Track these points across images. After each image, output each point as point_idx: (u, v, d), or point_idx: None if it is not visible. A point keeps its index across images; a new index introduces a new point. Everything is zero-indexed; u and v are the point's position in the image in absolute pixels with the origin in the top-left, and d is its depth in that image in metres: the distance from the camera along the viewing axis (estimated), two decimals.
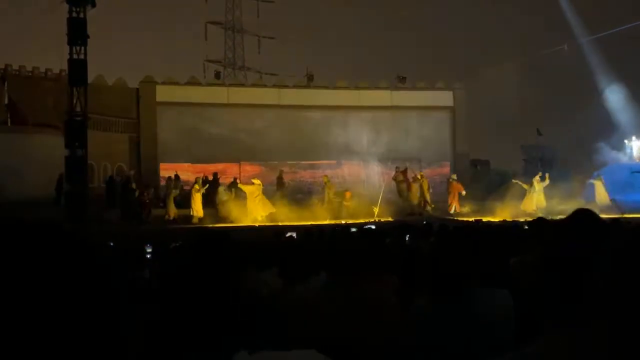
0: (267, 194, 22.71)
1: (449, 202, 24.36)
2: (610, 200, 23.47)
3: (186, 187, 24.47)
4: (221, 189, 23.50)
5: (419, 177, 24.77)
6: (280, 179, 26.47)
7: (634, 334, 1.18)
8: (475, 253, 3.01)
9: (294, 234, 6.83)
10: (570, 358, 1.30)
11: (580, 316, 1.36)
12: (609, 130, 31.38)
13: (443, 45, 31.08)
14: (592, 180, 24.88)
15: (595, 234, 1.53)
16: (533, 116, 30.31)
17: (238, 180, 24.80)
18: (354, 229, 7.39)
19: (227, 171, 27.61)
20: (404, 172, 25.27)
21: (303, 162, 28.51)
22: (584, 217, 1.65)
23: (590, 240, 1.48)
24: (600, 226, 1.50)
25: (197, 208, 21.80)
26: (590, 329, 1.29)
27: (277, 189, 25.35)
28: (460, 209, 24.01)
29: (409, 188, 24.73)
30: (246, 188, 22.56)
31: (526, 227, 6.76)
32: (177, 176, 25.44)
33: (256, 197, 22.26)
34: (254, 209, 21.91)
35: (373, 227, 11.00)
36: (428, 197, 24.48)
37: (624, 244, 1.23)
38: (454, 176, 25.59)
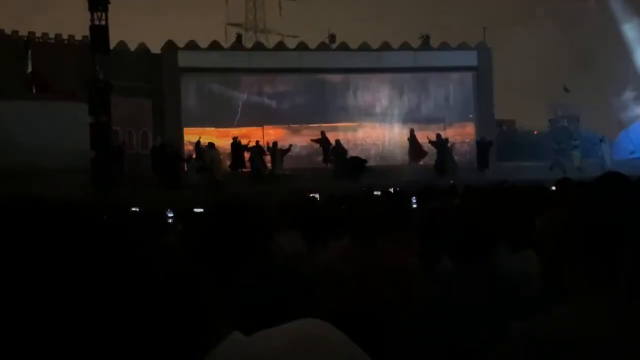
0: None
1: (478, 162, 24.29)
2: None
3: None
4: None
5: (442, 139, 24.68)
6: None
7: None
8: (501, 214, 2.96)
9: (317, 195, 6.82)
10: (601, 319, 1.27)
11: (608, 277, 1.32)
12: (637, 88, 30.82)
13: (468, 4, 30.52)
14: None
15: (623, 196, 1.48)
16: (560, 74, 29.74)
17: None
18: (377, 192, 7.36)
19: (251, 135, 27.65)
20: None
21: (324, 125, 28.44)
22: (612, 179, 1.60)
23: (618, 202, 1.43)
24: (629, 188, 1.45)
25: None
26: (620, 289, 1.26)
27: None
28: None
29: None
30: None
31: (553, 187, 6.68)
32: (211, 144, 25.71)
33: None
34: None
35: (397, 189, 10.96)
36: (451, 159, 24.44)
37: None
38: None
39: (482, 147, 24.72)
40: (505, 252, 2.54)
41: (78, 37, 27.19)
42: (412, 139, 26.47)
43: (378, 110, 29.31)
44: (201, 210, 6.48)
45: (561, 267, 1.61)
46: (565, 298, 1.48)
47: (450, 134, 28.30)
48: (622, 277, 1.24)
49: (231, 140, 25.76)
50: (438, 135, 24.88)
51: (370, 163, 25.55)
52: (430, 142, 24.67)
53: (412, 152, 26.23)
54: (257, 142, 25.39)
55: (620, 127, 27.66)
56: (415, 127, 27.56)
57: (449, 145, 24.54)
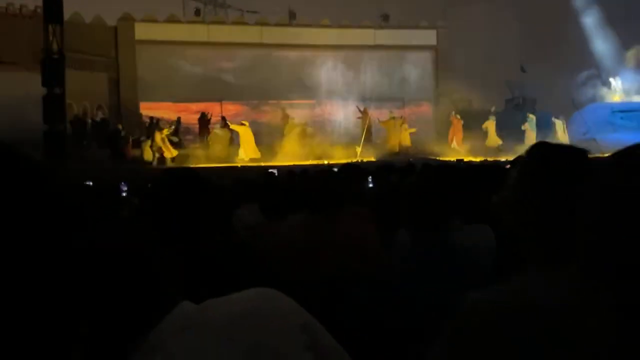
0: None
1: (449, 137, 24.52)
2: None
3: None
4: (217, 129, 23.76)
5: (395, 117, 24.84)
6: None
7: (609, 270, 1.17)
8: (457, 190, 3.00)
9: (275, 171, 6.82)
10: (555, 289, 1.29)
11: (560, 253, 1.35)
12: (592, 69, 31.38)
13: None
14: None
15: (568, 172, 1.51)
16: (517, 53, 30.07)
17: (228, 120, 24.87)
18: (335, 169, 7.38)
19: (209, 110, 27.42)
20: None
21: (283, 102, 28.34)
22: (570, 156, 1.63)
23: (575, 180, 1.46)
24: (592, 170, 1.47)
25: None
26: (571, 264, 1.28)
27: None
28: (462, 146, 24.23)
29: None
30: (237, 128, 22.71)
31: (508, 166, 6.79)
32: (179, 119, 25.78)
33: (245, 138, 22.50)
34: (242, 150, 22.18)
35: (355, 164, 11.00)
36: (406, 138, 24.70)
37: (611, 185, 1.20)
38: (455, 114, 25.86)
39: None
40: (459, 225, 2.58)
41: (31, 7, 26.47)
42: (365, 117, 26.62)
43: (336, 87, 29.34)
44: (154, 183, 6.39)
45: (514, 240, 1.65)
46: (519, 269, 1.50)
47: (407, 112, 28.50)
48: (575, 249, 1.27)
49: (199, 115, 25.84)
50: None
51: (328, 141, 25.72)
52: (381, 122, 24.79)
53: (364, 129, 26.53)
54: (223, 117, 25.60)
55: (574, 109, 28.13)
56: (372, 105, 27.68)
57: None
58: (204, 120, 25.64)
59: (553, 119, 25.80)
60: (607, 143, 22.82)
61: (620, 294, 1.16)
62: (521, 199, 1.67)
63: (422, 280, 2.33)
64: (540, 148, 1.72)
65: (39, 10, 23.21)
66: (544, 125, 26.36)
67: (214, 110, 27.87)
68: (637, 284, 1.15)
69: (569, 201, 1.37)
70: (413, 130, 25.92)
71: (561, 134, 25.02)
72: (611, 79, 31.32)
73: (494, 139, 25.39)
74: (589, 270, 1.24)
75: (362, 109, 27.05)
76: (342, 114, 29.07)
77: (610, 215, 1.19)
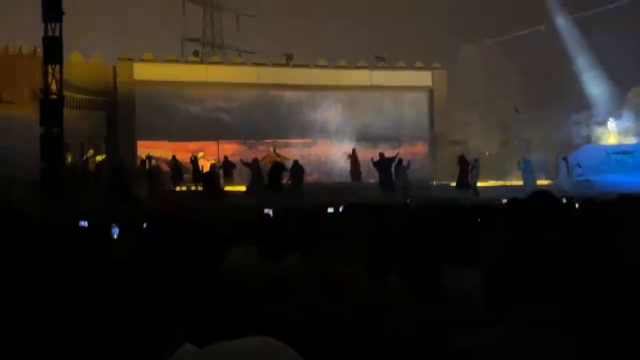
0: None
1: (459, 177, 24.22)
2: None
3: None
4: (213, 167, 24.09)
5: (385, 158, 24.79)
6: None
7: (585, 311, 1.22)
8: (450, 232, 3.05)
9: (270, 211, 6.85)
10: (534, 331, 1.34)
11: (539, 297, 1.40)
12: (587, 110, 31.67)
13: (422, 25, 31.03)
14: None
15: (552, 215, 1.57)
16: (512, 96, 30.39)
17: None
18: (330, 209, 7.42)
19: (206, 149, 27.59)
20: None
21: (279, 141, 28.53)
22: (540, 199, 1.69)
23: (546, 221, 1.52)
24: (557, 207, 1.54)
25: None
26: (549, 309, 1.33)
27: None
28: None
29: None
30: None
31: (504, 205, 6.82)
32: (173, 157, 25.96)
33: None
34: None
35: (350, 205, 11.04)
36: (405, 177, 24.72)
37: (575, 224, 1.26)
38: (460, 152, 25.82)
39: (464, 166, 24.50)
40: (449, 269, 2.63)
41: (31, 48, 26.76)
42: (354, 158, 26.74)
43: (332, 127, 29.54)
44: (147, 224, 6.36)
45: (497, 284, 1.69)
46: (501, 314, 1.55)
47: (403, 152, 28.64)
48: (549, 293, 1.33)
49: (190, 156, 25.86)
50: (381, 155, 24.85)
51: (322, 179, 25.85)
52: (373, 162, 24.69)
53: (353, 170, 26.63)
54: (226, 157, 25.71)
55: (568, 149, 28.33)
56: (368, 145, 27.84)
57: (404, 163, 24.71)
58: (195, 162, 25.61)
59: (561, 159, 25.77)
60: (601, 184, 22.95)
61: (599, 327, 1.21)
62: (510, 242, 1.72)
63: (412, 323, 2.37)
64: (537, 195, 1.77)
65: (39, 50, 23.45)
66: (539, 164, 26.44)
67: (211, 149, 28.04)
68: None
69: (546, 245, 1.42)
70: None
71: (564, 176, 24.92)
72: (607, 120, 31.58)
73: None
74: (567, 308, 1.29)
75: (351, 150, 27.17)
76: (338, 153, 29.28)
77: (576, 251, 1.24)
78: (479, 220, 4.28)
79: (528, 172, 23.95)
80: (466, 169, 23.83)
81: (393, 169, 24.34)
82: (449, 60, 31.77)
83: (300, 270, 2.90)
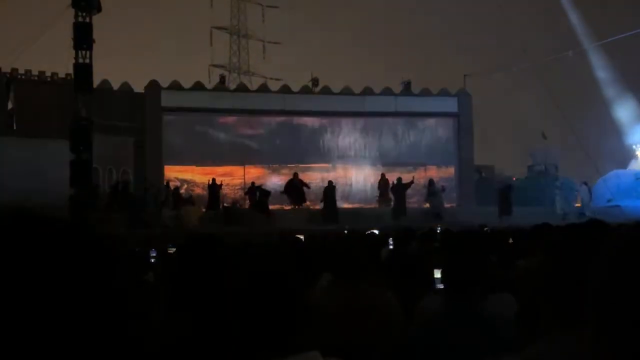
0: None
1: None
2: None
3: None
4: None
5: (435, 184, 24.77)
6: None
7: (629, 335, 1.20)
8: (482, 257, 3.02)
9: (302, 237, 6.86)
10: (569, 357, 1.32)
11: (579, 319, 1.38)
12: (616, 136, 31.40)
13: (449, 51, 31.10)
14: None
15: (602, 243, 1.55)
16: (539, 122, 30.24)
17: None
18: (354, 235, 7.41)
19: (233, 173, 27.97)
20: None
21: (301, 165, 28.73)
22: (594, 227, 1.67)
23: (596, 249, 1.50)
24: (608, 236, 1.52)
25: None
26: (588, 330, 1.31)
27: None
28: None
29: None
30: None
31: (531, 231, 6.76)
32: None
33: None
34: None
35: (376, 231, 11.01)
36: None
37: (620, 248, 1.24)
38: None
39: (503, 192, 24.18)
40: (482, 294, 2.60)
41: (62, 75, 27.24)
42: (383, 182, 26.72)
43: (355, 152, 29.64)
44: (174, 249, 6.45)
45: (536, 309, 1.67)
46: (538, 338, 1.53)
47: (434, 175, 28.57)
48: (589, 319, 1.30)
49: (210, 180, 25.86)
50: (398, 180, 24.86)
51: (347, 205, 25.93)
52: (390, 187, 24.84)
53: (380, 194, 26.61)
54: (253, 183, 25.74)
55: (597, 175, 28.05)
56: (394, 170, 27.80)
57: (440, 189, 24.65)
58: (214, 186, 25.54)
59: (583, 183, 25.49)
60: (631, 210, 22.63)
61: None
62: (547, 267, 1.69)
63: (443, 350, 2.34)
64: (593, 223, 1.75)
65: (69, 77, 23.89)
66: (568, 189, 26.18)
67: (237, 173, 28.43)
68: None
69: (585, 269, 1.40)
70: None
71: (586, 201, 24.67)
72: (635, 146, 31.26)
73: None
74: (603, 335, 1.27)
75: (380, 175, 27.30)
76: (362, 177, 29.26)
77: (619, 281, 1.22)
78: (511, 242, 4.25)
79: (567, 191, 23.75)
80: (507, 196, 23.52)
81: (427, 194, 24.50)
82: (475, 86, 31.73)
83: (330, 294, 2.89)
